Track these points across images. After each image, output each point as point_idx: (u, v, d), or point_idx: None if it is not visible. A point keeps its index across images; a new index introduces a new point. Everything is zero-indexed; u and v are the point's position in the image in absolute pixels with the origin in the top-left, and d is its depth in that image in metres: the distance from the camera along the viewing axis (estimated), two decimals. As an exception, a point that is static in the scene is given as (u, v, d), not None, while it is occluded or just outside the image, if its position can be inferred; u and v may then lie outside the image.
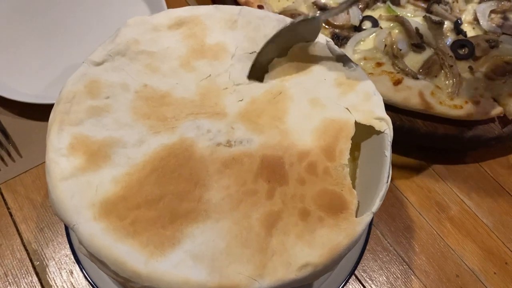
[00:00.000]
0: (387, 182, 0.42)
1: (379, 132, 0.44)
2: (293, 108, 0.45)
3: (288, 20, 0.51)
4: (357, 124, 0.44)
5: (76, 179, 0.38)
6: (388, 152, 0.43)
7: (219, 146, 0.42)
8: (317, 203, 0.40)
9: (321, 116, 0.45)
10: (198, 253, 0.36)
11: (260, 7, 0.68)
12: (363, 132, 0.45)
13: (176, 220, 0.37)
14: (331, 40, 0.50)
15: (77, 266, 0.54)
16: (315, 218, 0.39)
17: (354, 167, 0.46)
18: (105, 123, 0.42)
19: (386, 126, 0.44)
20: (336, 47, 0.49)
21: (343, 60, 0.49)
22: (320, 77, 0.48)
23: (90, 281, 0.48)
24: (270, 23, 0.51)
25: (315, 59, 0.49)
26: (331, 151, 0.43)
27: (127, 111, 0.43)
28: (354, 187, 0.41)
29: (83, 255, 0.49)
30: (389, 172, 0.42)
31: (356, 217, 0.39)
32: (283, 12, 0.69)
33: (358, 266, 0.52)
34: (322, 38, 0.50)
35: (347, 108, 0.45)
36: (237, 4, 0.72)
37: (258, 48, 0.49)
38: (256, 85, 0.47)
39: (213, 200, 0.39)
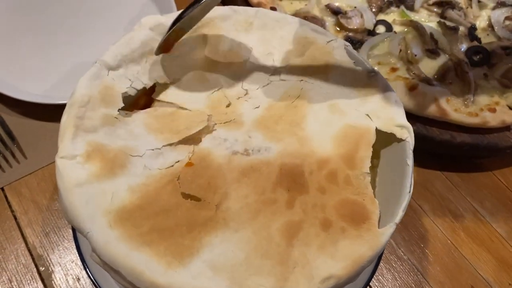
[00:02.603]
0: (409, 192, 0.41)
1: (400, 140, 0.43)
2: (311, 114, 0.44)
3: (305, 24, 0.50)
4: (377, 131, 0.43)
5: (91, 186, 0.37)
6: (410, 160, 0.42)
7: (237, 155, 0.41)
8: (338, 213, 0.38)
9: (341, 123, 0.44)
10: (217, 264, 0.35)
11: (273, 9, 0.67)
12: (383, 139, 0.44)
13: (194, 229, 0.36)
14: (350, 45, 0.49)
15: (84, 272, 0.53)
16: (337, 228, 0.37)
17: (373, 175, 0.45)
18: (119, 134, 0.41)
19: (407, 133, 0.43)
20: (355, 52, 0.48)
21: (362, 65, 0.47)
22: (339, 82, 0.47)
23: (99, 288, 0.47)
24: (286, 26, 0.50)
25: (334, 63, 0.47)
26: (352, 159, 0.42)
27: (140, 125, 0.42)
28: (374, 196, 0.40)
29: (92, 262, 0.47)
30: (411, 182, 0.41)
31: (378, 227, 0.38)
32: (296, 15, 0.68)
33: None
34: (340, 42, 0.49)
35: (367, 115, 0.44)
36: (248, 4, 0.71)
37: (273, 50, 0.48)
38: (274, 85, 0.46)
39: (232, 208, 0.38)
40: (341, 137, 0.43)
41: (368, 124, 0.43)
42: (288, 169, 0.40)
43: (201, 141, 0.41)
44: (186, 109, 0.44)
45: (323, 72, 0.47)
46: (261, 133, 0.42)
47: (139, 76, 0.45)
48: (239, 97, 0.45)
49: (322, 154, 0.42)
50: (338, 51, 0.48)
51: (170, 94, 0.45)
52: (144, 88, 0.45)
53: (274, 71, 0.47)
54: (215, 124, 0.43)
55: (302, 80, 0.46)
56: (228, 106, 0.45)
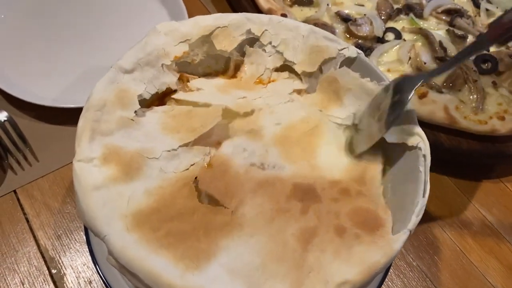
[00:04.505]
0: (423, 197, 0.41)
1: (412, 147, 0.43)
2: (324, 147, 0.45)
3: (318, 31, 0.50)
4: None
5: (108, 189, 0.37)
6: (422, 167, 0.42)
7: (253, 167, 0.41)
8: (352, 220, 0.39)
9: (351, 158, 0.44)
10: (234, 268, 0.35)
11: (284, 15, 0.67)
12: (395, 145, 0.44)
13: (210, 233, 0.37)
14: (362, 52, 0.49)
15: (96, 275, 0.53)
16: (352, 235, 0.38)
17: (386, 181, 0.45)
18: (135, 136, 0.41)
19: (420, 140, 0.43)
20: (367, 60, 0.49)
21: (374, 73, 0.47)
22: (354, 104, 0.47)
23: (112, 292, 0.47)
24: (300, 34, 0.50)
25: (348, 88, 0.47)
26: (362, 179, 0.43)
27: (156, 126, 0.43)
28: (387, 205, 0.41)
29: (104, 265, 0.48)
30: (425, 188, 0.42)
31: (391, 234, 0.38)
32: (306, 21, 0.68)
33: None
34: (353, 50, 0.49)
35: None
36: (256, 7, 0.72)
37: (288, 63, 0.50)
38: (294, 106, 0.47)
39: (247, 215, 0.38)
40: (352, 168, 0.43)
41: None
42: (301, 186, 0.41)
43: (220, 145, 0.42)
44: (204, 103, 0.45)
45: (338, 97, 0.47)
46: (277, 150, 0.43)
47: (153, 80, 0.46)
48: (261, 108, 0.46)
49: (333, 177, 0.42)
50: (346, 72, 0.48)
51: (190, 94, 0.46)
52: (157, 92, 0.46)
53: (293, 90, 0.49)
54: (236, 130, 0.43)
55: (321, 110, 0.47)
56: (249, 114, 0.46)
